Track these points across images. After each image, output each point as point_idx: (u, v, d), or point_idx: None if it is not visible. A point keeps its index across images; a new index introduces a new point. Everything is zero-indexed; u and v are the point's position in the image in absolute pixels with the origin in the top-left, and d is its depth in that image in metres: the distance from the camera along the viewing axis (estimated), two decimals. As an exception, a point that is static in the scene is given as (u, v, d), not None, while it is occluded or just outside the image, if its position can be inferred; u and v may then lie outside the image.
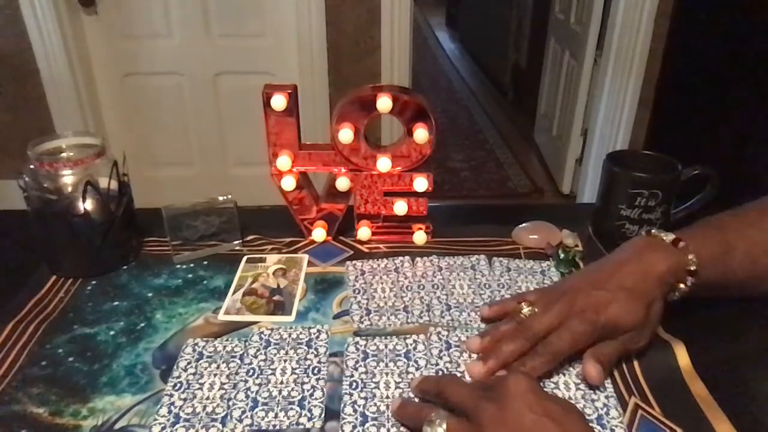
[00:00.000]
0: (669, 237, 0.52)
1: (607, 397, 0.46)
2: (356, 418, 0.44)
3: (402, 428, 0.43)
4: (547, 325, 0.48)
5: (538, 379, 0.47)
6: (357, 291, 0.60)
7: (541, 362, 0.47)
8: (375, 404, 0.45)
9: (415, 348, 0.52)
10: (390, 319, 0.56)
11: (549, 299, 0.50)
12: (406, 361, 0.50)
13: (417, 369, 0.49)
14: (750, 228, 0.53)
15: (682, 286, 0.51)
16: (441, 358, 0.51)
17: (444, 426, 0.39)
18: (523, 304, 0.51)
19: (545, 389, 0.47)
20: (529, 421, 0.37)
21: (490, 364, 0.47)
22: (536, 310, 0.50)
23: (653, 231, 0.53)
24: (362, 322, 0.55)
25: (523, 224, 0.71)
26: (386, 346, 0.52)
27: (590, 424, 0.42)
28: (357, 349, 0.51)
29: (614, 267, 0.51)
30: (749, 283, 0.53)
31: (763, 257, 0.52)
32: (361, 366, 0.49)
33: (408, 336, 0.53)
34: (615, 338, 0.48)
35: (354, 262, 0.65)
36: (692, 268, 0.50)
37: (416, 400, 0.46)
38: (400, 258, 0.66)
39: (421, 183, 0.66)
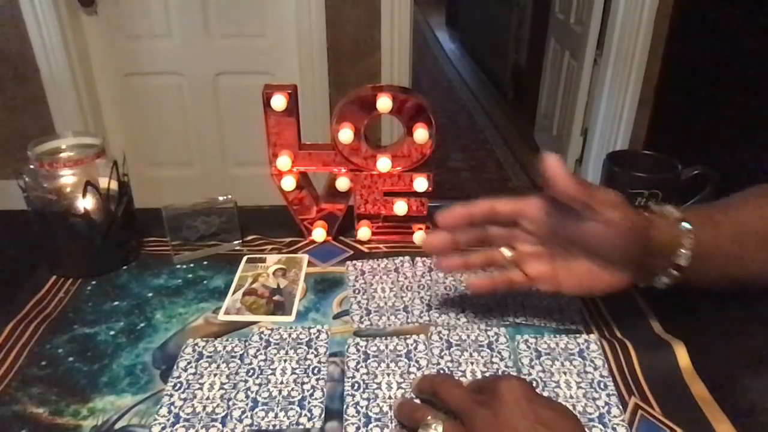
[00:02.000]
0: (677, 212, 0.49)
1: (608, 395, 0.46)
2: (359, 419, 0.44)
3: (404, 429, 0.43)
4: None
5: (538, 380, 0.47)
6: (357, 291, 0.60)
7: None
8: (378, 405, 0.45)
9: (415, 348, 0.52)
10: (390, 319, 0.56)
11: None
12: (407, 361, 0.50)
13: (419, 369, 0.49)
14: (738, 208, 0.51)
15: (665, 277, 0.48)
16: (442, 357, 0.51)
17: (440, 427, 0.39)
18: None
19: (548, 387, 0.47)
20: (523, 428, 0.37)
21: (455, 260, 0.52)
22: None
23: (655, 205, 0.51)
24: (362, 322, 0.55)
25: (523, 224, 0.70)
26: (387, 346, 0.52)
27: (591, 424, 0.42)
28: (357, 350, 0.51)
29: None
30: (735, 261, 0.50)
31: (749, 238, 0.49)
32: (362, 367, 0.49)
33: (408, 336, 0.53)
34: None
35: (354, 262, 0.65)
36: (690, 237, 0.47)
37: (416, 400, 0.46)
38: (400, 258, 0.66)
39: (421, 183, 0.66)
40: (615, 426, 0.44)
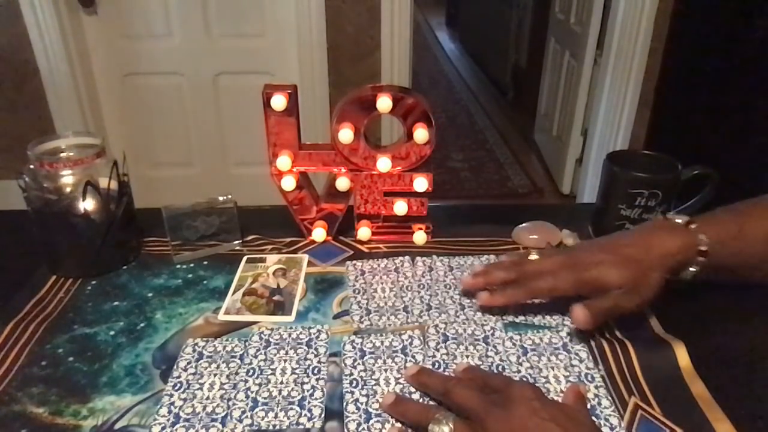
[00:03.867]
0: (682, 219, 0.54)
1: (597, 387, 0.47)
2: (360, 416, 0.44)
3: (403, 425, 0.43)
4: (537, 268, 0.54)
5: (527, 376, 0.48)
6: (357, 291, 0.60)
7: (516, 293, 0.54)
8: (377, 401, 0.46)
9: (411, 343, 0.52)
10: (390, 319, 0.56)
11: (554, 252, 0.56)
12: (403, 357, 0.50)
13: (415, 364, 0.49)
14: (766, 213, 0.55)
15: (693, 267, 0.52)
16: (438, 350, 0.51)
17: (451, 425, 0.40)
18: (533, 252, 0.56)
19: (538, 383, 0.48)
20: (534, 425, 0.38)
21: (478, 280, 0.56)
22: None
23: (668, 214, 0.56)
24: (362, 322, 0.56)
25: (523, 224, 0.71)
26: (383, 343, 0.52)
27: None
28: (354, 347, 0.51)
29: (622, 237, 0.56)
30: (763, 267, 0.54)
31: None
32: (359, 364, 0.50)
33: (403, 332, 0.53)
34: (605, 295, 0.51)
35: (354, 262, 0.65)
36: (703, 248, 0.52)
37: (413, 394, 0.46)
38: (400, 258, 0.66)
39: (421, 183, 0.66)
40: (608, 417, 0.44)
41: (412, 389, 0.47)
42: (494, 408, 0.40)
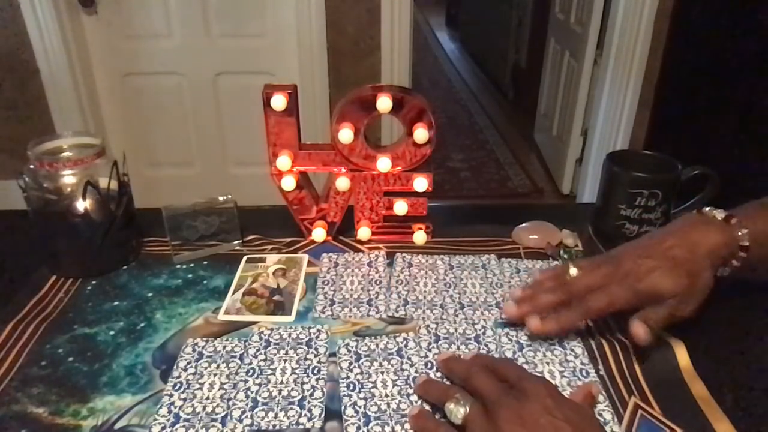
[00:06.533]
0: (721, 214, 0.53)
1: (591, 382, 0.47)
2: (359, 419, 0.44)
3: (406, 425, 0.44)
4: (586, 285, 0.51)
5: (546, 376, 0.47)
6: (326, 282, 0.61)
7: (571, 316, 0.50)
8: (375, 404, 0.46)
9: (406, 345, 0.52)
10: (351, 311, 0.57)
11: (596, 263, 0.52)
12: (399, 359, 0.50)
13: (411, 365, 0.50)
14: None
15: (734, 261, 0.51)
16: (430, 350, 0.51)
17: (467, 407, 0.41)
18: (571, 265, 0.53)
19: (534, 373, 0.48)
20: (546, 422, 0.38)
21: (524, 308, 0.52)
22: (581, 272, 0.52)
23: (705, 209, 0.54)
24: (324, 312, 0.57)
25: (523, 224, 0.71)
26: (377, 345, 0.52)
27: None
28: (349, 351, 0.52)
29: (663, 238, 0.52)
30: None
31: None
32: (355, 367, 0.50)
33: (398, 334, 0.54)
34: (660, 304, 0.49)
35: (330, 254, 0.66)
36: (745, 243, 0.51)
37: (438, 373, 0.48)
38: (375, 253, 0.67)
39: (421, 183, 0.66)
40: (600, 412, 0.44)
41: (411, 390, 0.47)
42: (508, 399, 0.41)
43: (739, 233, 0.51)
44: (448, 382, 0.47)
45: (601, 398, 0.46)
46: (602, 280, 0.50)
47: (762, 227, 0.52)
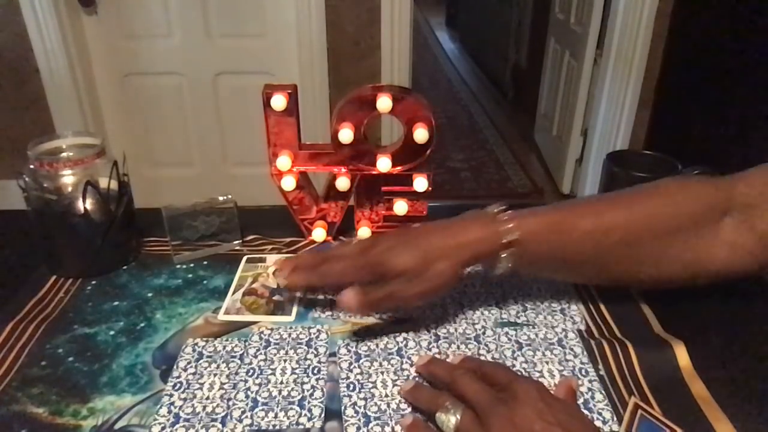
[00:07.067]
0: (497, 209, 0.52)
1: (590, 381, 0.47)
2: (359, 419, 0.44)
3: (416, 411, 0.44)
4: (338, 253, 0.54)
5: (522, 370, 0.48)
6: None
7: (309, 275, 0.54)
8: (375, 404, 0.46)
9: (406, 345, 0.52)
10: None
11: (372, 237, 0.55)
12: (399, 359, 0.50)
13: (411, 365, 0.49)
14: (615, 210, 0.52)
15: (504, 255, 0.50)
16: (430, 350, 0.51)
17: (458, 415, 0.41)
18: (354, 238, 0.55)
19: (532, 376, 0.48)
20: (540, 428, 0.38)
21: (286, 265, 0.55)
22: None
23: (488, 206, 0.53)
24: (324, 312, 0.57)
25: (523, 224, 0.70)
26: (377, 345, 0.52)
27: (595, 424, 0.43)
28: (349, 351, 0.51)
29: (429, 225, 0.54)
30: (584, 267, 0.53)
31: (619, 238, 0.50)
32: (355, 367, 0.50)
33: (398, 334, 0.53)
34: (387, 282, 0.50)
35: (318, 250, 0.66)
36: (509, 238, 0.49)
37: (419, 379, 0.47)
38: None
39: (421, 183, 0.66)
40: (600, 411, 0.44)
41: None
42: (499, 405, 0.40)
43: (503, 228, 0.49)
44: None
45: (600, 398, 0.46)
46: (351, 251, 0.53)
47: (538, 224, 0.50)
